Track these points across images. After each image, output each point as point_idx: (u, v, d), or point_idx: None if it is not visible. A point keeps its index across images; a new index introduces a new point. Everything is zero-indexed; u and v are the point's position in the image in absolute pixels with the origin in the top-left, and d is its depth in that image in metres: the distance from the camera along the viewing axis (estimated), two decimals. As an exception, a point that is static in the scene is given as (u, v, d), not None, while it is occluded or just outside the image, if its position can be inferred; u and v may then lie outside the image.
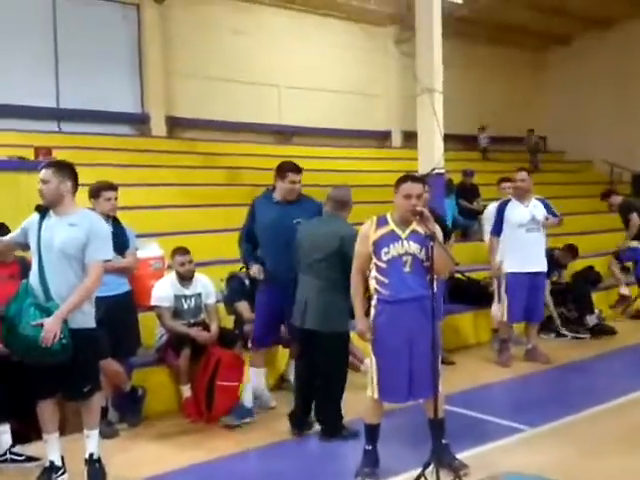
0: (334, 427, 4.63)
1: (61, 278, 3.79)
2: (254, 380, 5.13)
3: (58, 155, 8.73)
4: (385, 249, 3.84)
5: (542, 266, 6.58)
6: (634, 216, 8.71)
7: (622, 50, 15.45)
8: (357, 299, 4.06)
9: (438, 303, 6.35)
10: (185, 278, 5.39)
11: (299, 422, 4.74)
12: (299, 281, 4.73)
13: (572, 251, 8.33)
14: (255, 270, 5.03)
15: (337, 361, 4.69)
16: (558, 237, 9.63)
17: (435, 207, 7.06)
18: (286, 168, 5.00)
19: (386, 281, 3.86)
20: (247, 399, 4.99)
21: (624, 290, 8.78)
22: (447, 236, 6.71)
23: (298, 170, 5.02)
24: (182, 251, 5.41)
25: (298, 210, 4.98)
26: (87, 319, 3.89)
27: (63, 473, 3.93)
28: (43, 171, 3.87)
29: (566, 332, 7.67)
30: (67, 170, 3.92)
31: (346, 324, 4.62)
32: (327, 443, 4.58)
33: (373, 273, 3.92)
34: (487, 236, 7.03)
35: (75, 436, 4.20)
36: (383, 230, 3.88)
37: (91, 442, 3.98)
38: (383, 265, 3.86)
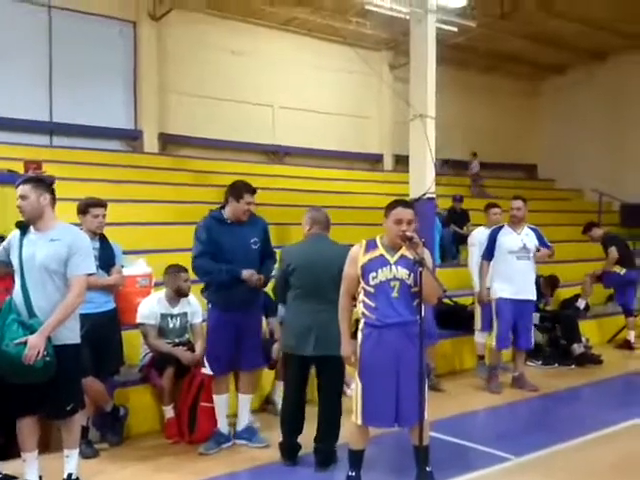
0: (333, 454, 4.49)
1: (44, 294, 3.76)
2: (217, 407, 4.91)
3: (49, 169, 8.73)
4: (373, 273, 3.83)
5: (531, 294, 6.59)
6: (612, 250, 8.78)
7: (615, 82, 15.64)
8: (344, 322, 4.04)
9: (430, 327, 6.43)
10: (185, 295, 5.35)
11: (293, 451, 4.59)
12: (295, 309, 4.55)
13: (552, 283, 8.39)
14: (248, 275, 4.66)
15: (341, 385, 4.67)
16: (548, 264, 9.68)
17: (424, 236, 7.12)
18: (243, 189, 4.77)
19: (373, 305, 3.85)
20: (223, 425, 4.88)
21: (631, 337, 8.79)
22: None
23: (253, 191, 4.82)
24: (184, 268, 5.33)
25: (252, 230, 4.82)
26: (71, 335, 3.85)
27: (40, 493, 3.86)
28: (21, 187, 3.87)
29: (552, 360, 7.66)
30: (44, 184, 3.94)
31: None
32: (310, 469, 4.50)
33: (361, 297, 3.92)
34: (473, 260, 7.06)
35: (59, 454, 4.11)
36: (372, 254, 3.88)
37: (70, 462, 3.93)
38: (371, 289, 3.85)
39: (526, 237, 6.55)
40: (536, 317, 7.94)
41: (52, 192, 3.94)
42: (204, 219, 4.90)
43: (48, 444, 4.37)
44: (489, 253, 6.60)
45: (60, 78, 11.67)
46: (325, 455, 4.48)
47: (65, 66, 11.67)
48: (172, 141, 13.01)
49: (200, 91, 13.05)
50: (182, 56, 12.94)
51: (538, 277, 8.19)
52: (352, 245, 4.07)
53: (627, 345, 8.68)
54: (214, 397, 4.90)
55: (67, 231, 3.92)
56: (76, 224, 4.60)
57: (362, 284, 3.89)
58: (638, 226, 10.77)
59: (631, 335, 8.73)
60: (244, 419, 4.94)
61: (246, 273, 4.66)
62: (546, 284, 8.27)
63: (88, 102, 11.82)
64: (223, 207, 4.86)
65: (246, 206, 4.75)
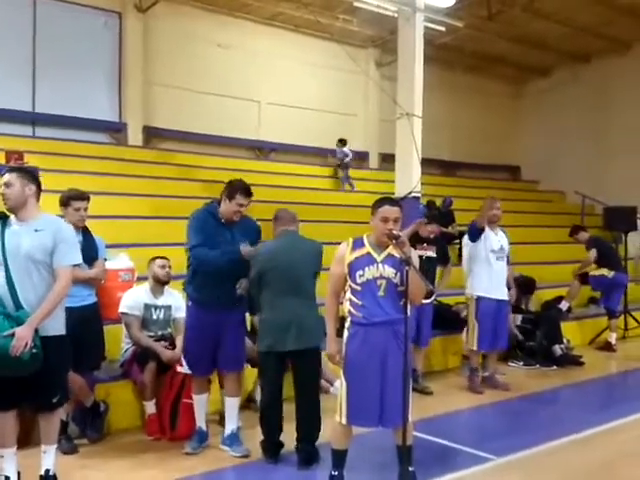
0: (316, 451, 4.45)
1: (29, 285, 3.71)
2: (196, 407, 4.82)
3: (31, 160, 8.63)
4: (360, 272, 3.81)
5: (506, 294, 6.64)
6: (592, 251, 8.84)
7: (599, 85, 15.76)
8: (330, 320, 4.03)
9: (427, 333, 6.43)
10: (161, 281, 5.33)
11: (275, 448, 4.55)
12: (272, 306, 4.50)
13: (527, 284, 8.42)
14: (247, 250, 4.48)
15: (319, 379, 4.65)
16: (531, 266, 9.75)
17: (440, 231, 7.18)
18: (236, 189, 4.58)
19: (360, 303, 3.83)
20: (203, 424, 4.80)
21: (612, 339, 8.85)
22: (447, 260, 6.79)
23: (248, 193, 4.61)
24: (163, 257, 5.43)
25: (243, 233, 4.64)
26: (57, 326, 3.81)
27: (18, 489, 3.79)
28: (7, 175, 3.83)
29: (533, 361, 7.70)
30: (30, 175, 3.91)
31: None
32: (293, 467, 4.47)
33: (347, 295, 3.90)
34: (465, 260, 7.05)
35: (37, 449, 4.02)
36: (359, 252, 3.86)
37: (48, 457, 3.87)
38: (357, 287, 3.83)
39: (502, 238, 6.60)
40: (517, 318, 8.00)
41: (38, 184, 3.89)
42: (199, 211, 4.73)
43: (27, 440, 4.30)
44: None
45: (44, 69, 11.51)
46: (308, 453, 4.45)
47: (49, 56, 11.51)
48: (156, 134, 12.89)
49: (186, 84, 12.94)
50: (168, 49, 12.82)
51: (522, 276, 8.27)
52: (337, 243, 4.06)
53: (608, 347, 8.76)
54: (193, 397, 4.83)
55: (51, 222, 3.87)
56: (58, 216, 4.54)
57: (349, 282, 3.87)
58: (620, 229, 10.84)
59: (612, 337, 8.81)
60: (231, 424, 4.76)
61: (245, 249, 4.50)
62: (522, 285, 8.29)
63: (72, 93, 11.67)
64: (219, 202, 4.70)
65: (236, 207, 4.57)
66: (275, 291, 4.51)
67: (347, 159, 13.62)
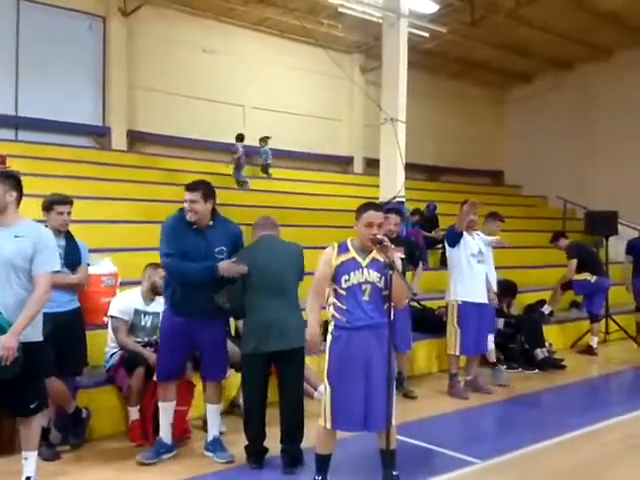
0: (300, 455, 4.44)
1: (8, 290, 3.70)
2: (161, 415, 4.69)
3: (13, 164, 8.56)
4: (345, 276, 3.83)
5: (487, 298, 6.65)
6: (572, 262, 8.89)
7: (580, 91, 15.94)
8: (313, 314, 4.03)
9: (406, 336, 6.42)
10: (159, 292, 5.19)
11: (260, 453, 4.54)
12: (255, 310, 4.47)
13: (508, 288, 8.45)
14: (226, 266, 4.37)
15: (302, 381, 4.66)
16: (513, 269, 9.82)
17: (409, 236, 7.08)
18: (186, 186, 4.47)
19: (344, 308, 3.85)
20: (166, 434, 4.66)
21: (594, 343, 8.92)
22: (416, 263, 6.75)
23: (190, 188, 4.44)
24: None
25: (219, 237, 4.51)
26: (35, 332, 3.79)
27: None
28: None
29: (515, 365, 7.74)
30: (13, 180, 3.88)
31: None
32: (277, 471, 4.47)
33: (331, 299, 3.91)
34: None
35: (18, 456, 4.01)
36: (344, 257, 3.88)
37: (29, 464, 3.85)
38: (342, 292, 3.84)
39: (479, 242, 6.64)
40: (500, 322, 8.04)
41: (20, 190, 3.88)
42: (169, 217, 4.64)
43: (10, 447, 4.26)
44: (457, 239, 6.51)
45: (27, 72, 11.45)
46: (292, 456, 4.44)
47: (32, 60, 11.44)
48: (140, 138, 12.85)
49: (170, 89, 12.92)
50: (152, 53, 12.80)
51: (506, 280, 8.30)
52: (322, 247, 4.07)
53: (589, 350, 8.84)
54: (159, 404, 4.70)
55: (32, 228, 3.85)
56: (40, 221, 4.52)
57: (333, 286, 3.88)
58: (602, 233, 10.96)
59: (594, 341, 8.89)
60: (213, 430, 4.72)
61: (223, 265, 4.39)
62: (503, 289, 8.33)
63: (55, 97, 11.61)
64: None
65: (186, 204, 4.43)
66: (258, 294, 4.49)
67: (238, 155, 12.65)
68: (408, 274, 6.56)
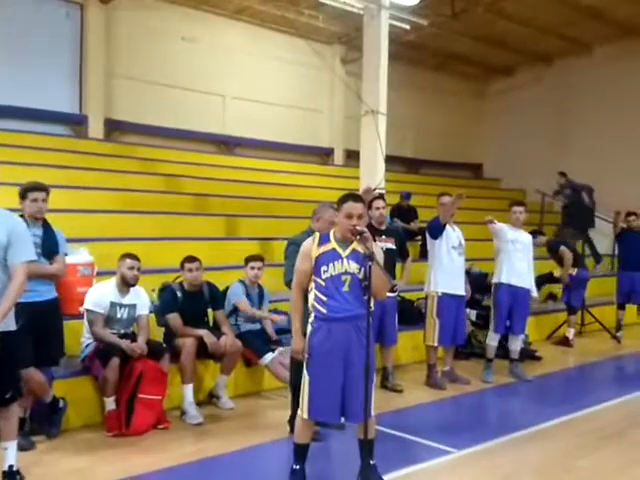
0: None
1: (-17, 281, 3.63)
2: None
3: (-12, 152, 8.40)
4: (324, 267, 3.82)
5: (464, 290, 6.70)
6: (563, 249, 8.98)
7: (560, 85, 16.05)
8: (296, 315, 4.00)
9: (392, 331, 6.43)
10: (128, 284, 5.21)
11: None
12: None
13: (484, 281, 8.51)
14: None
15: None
16: (491, 262, 9.88)
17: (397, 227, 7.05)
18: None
19: (324, 299, 3.83)
20: None
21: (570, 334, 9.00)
22: (405, 255, 6.74)
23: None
24: (134, 256, 5.27)
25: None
26: (8, 322, 3.72)
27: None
28: None
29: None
30: None
31: None
32: (254, 461, 4.47)
33: (312, 289, 3.89)
34: None
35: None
36: (325, 248, 3.87)
37: (9, 453, 3.84)
38: (322, 283, 3.83)
39: (459, 233, 6.69)
40: (473, 313, 8.11)
41: None
42: None
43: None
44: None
45: (2, 59, 11.21)
46: None
47: (8, 46, 11.21)
48: (118, 127, 12.68)
49: (148, 77, 12.75)
50: (131, 41, 12.61)
51: (486, 275, 8.36)
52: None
53: (565, 342, 8.95)
54: None
55: (4, 217, 3.78)
56: (16, 209, 4.45)
57: (314, 277, 3.87)
58: (578, 227, 11.09)
59: (571, 332, 9.00)
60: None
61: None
62: (478, 280, 8.39)
63: (31, 84, 11.40)
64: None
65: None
66: None
67: None
68: (397, 266, 6.59)
